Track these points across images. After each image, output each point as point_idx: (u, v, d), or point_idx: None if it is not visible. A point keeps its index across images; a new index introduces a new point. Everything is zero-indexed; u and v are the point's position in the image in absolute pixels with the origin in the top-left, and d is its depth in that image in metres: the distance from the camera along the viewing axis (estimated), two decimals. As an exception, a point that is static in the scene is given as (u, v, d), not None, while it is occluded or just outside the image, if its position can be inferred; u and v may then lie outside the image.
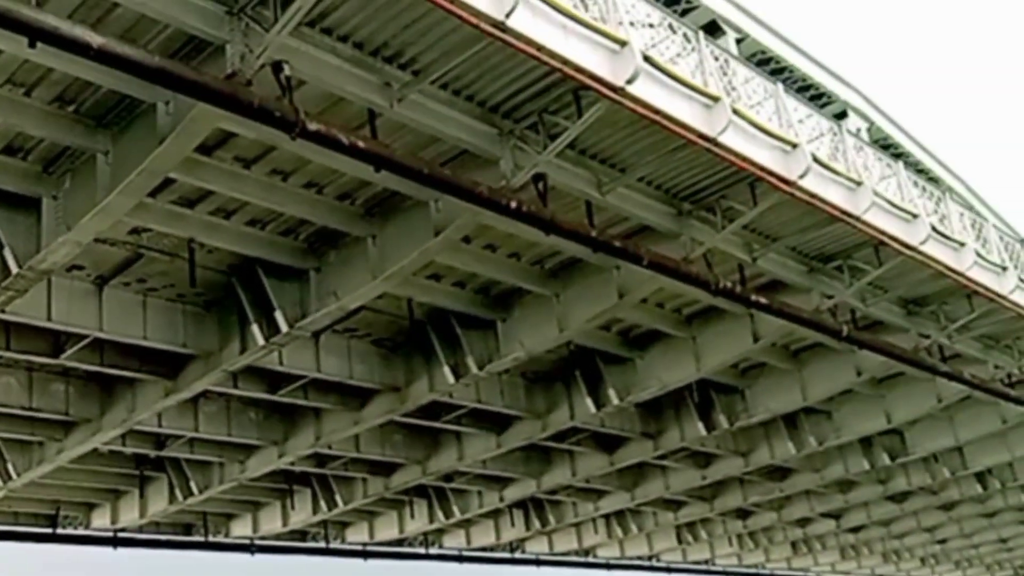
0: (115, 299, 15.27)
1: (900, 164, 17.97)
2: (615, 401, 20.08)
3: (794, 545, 40.02)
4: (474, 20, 10.44)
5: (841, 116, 25.25)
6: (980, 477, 32.02)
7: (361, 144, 11.13)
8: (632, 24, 12.64)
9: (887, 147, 27.83)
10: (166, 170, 11.53)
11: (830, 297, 17.88)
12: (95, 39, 9.09)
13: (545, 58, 11.20)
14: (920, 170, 29.12)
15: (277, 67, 10.56)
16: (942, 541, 42.79)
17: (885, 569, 49.08)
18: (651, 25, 13.14)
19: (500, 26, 10.63)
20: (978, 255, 18.81)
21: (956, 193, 29.54)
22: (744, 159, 13.68)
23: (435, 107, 12.20)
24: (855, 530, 38.42)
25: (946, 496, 34.08)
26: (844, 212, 15.46)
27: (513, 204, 12.65)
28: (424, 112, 12.09)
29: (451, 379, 17.79)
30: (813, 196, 14.80)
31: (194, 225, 13.84)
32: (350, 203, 14.16)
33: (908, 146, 28.67)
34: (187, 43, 10.64)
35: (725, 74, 14.00)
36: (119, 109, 11.55)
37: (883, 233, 16.33)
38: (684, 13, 21.03)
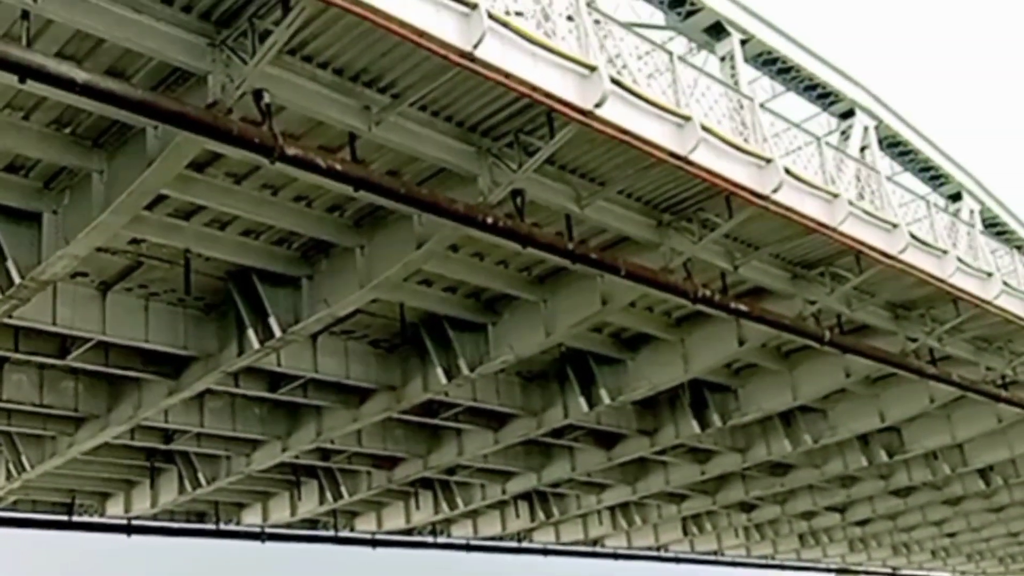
0: (118, 303, 15.97)
1: (882, 176, 18.35)
2: (607, 401, 20.64)
3: (801, 538, 40.52)
4: (442, 51, 11.00)
5: (848, 115, 25.49)
6: (983, 473, 32.38)
7: (338, 167, 11.73)
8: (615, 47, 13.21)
9: (895, 145, 28.12)
10: (156, 190, 12.18)
11: (813, 303, 18.35)
12: (80, 75, 9.73)
13: (514, 85, 11.73)
14: (929, 167, 29.41)
15: (258, 95, 11.14)
16: (951, 535, 43.07)
17: (897, 561, 49.48)
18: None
19: (469, 56, 11.17)
20: (961, 262, 19.19)
21: (967, 189, 29.82)
22: (716, 175, 14.15)
23: (413, 128, 12.75)
24: (861, 523, 38.86)
25: (950, 491, 34.47)
26: (820, 224, 15.92)
27: (490, 220, 13.20)
28: (402, 133, 12.65)
29: (444, 380, 18.42)
30: (787, 209, 15.27)
31: (190, 236, 14.50)
32: (339, 215, 14.78)
33: (917, 143, 28.68)
34: (173, 72, 11.25)
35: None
36: (113, 131, 12.18)
37: (861, 243, 16.77)
38: (688, 15, 21.52)
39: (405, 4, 10.61)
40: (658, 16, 22.85)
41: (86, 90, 9.85)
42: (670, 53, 14.22)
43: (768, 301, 18.35)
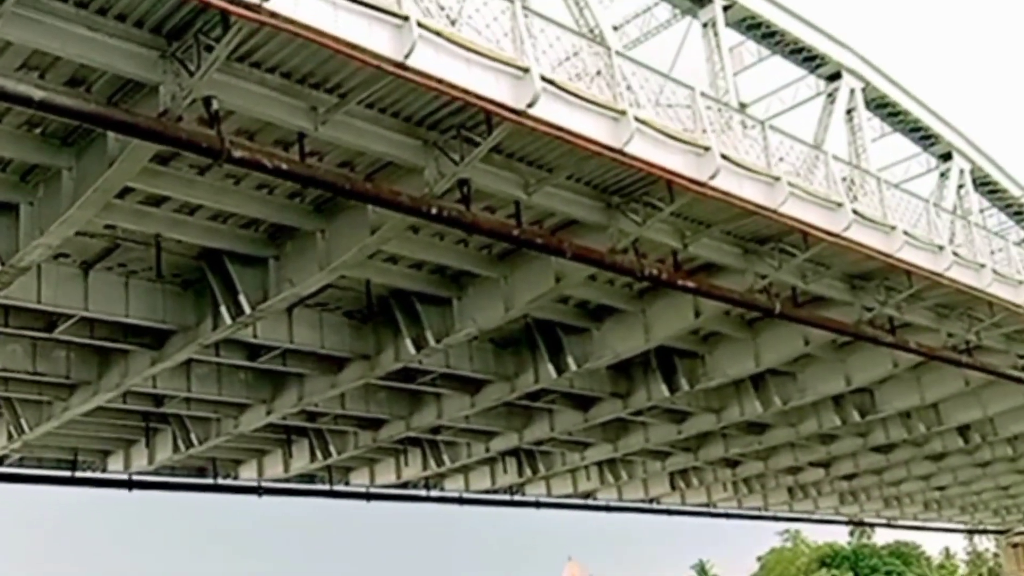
0: (100, 281, 17.02)
1: (830, 155, 19.06)
2: (574, 368, 21.66)
3: (790, 491, 41.57)
4: (375, 62, 11.89)
5: (834, 77, 26.06)
6: (961, 431, 33.25)
7: (284, 167, 12.67)
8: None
9: (884, 106, 28.64)
10: (118, 187, 13.15)
11: (764, 277, 19.18)
12: (36, 93, 10.69)
13: (447, 90, 12.62)
14: (919, 128, 29.92)
15: (207, 102, 12.07)
16: (941, 488, 44.03)
17: (890, 513, 50.52)
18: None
19: (401, 65, 12.06)
20: (909, 236, 19.92)
21: (957, 149, 30.35)
22: (652, 165, 14.99)
23: (360, 125, 13.63)
24: (847, 478, 39.85)
25: (930, 448, 35.37)
26: (759, 206, 16.73)
27: (434, 210, 14.12)
28: (349, 130, 13.55)
29: (413, 350, 19.47)
30: (725, 194, 16.09)
31: (160, 222, 15.50)
32: (299, 201, 15.69)
33: (906, 104, 29.09)
34: (128, 82, 12.16)
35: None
36: (80, 131, 13.09)
37: (803, 223, 17.59)
38: None
39: (337, 19, 11.50)
40: (642, -16, 23.62)
41: (43, 106, 10.84)
42: (608, 49, 14.96)
43: (721, 276, 19.25)
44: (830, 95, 26.05)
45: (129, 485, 27.42)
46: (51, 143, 13.32)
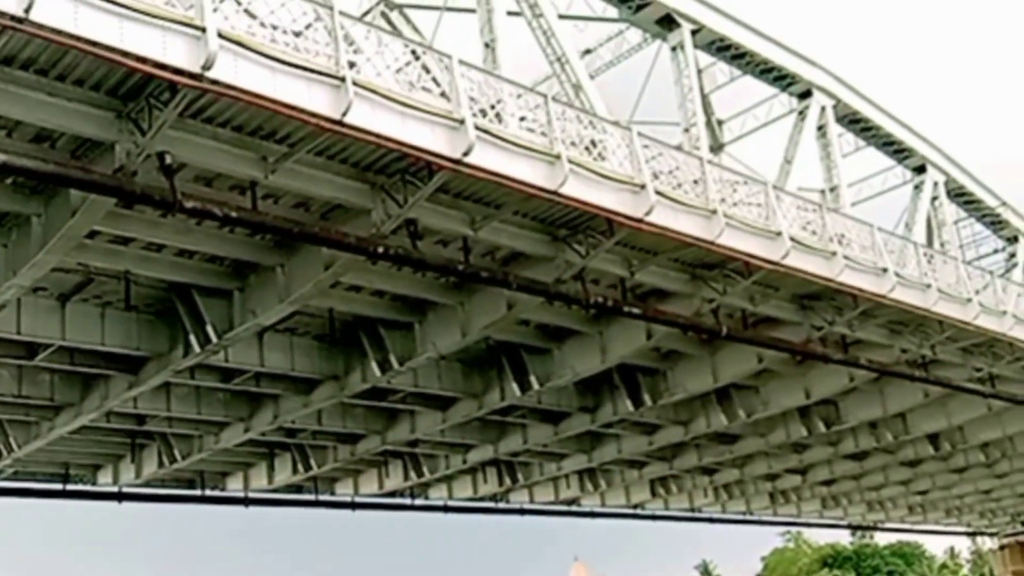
0: (76, 312, 18.10)
1: (770, 186, 19.97)
2: (536, 386, 22.67)
3: (772, 496, 42.44)
4: (313, 121, 12.90)
5: (805, 95, 27.02)
6: (932, 439, 34.13)
7: (234, 214, 13.69)
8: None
9: (856, 122, 29.55)
10: (82, 234, 14.19)
11: (711, 301, 20.14)
12: (-2, 157, 11.74)
13: (384, 143, 13.62)
14: (892, 142, 30.83)
15: (161, 156, 13.09)
16: (922, 493, 44.83)
17: (876, 516, 51.29)
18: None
19: (339, 123, 13.06)
20: (849, 259, 20.82)
21: (931, 161, 31.26)
22: (588, 204, 15.96)
23: (308, 171, 14.62)
24: (826, 484, 40.72)
25: (903, 455, 36.24)
26: (696, 238, 17.68)
27: (381, 249, 15.14)
28: (298, 177, 14.54)
29: (378, 373, 20.51)
30: (662, 228, 17.05)
31: (129, 259, 16.54)
32: (260, 239, 16.69)
33: (878, 119, 29.99)
34: (86, 141, 13.19)
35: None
36: (48, 180, 14.18)
37: (740, 252, 18.53)
38: (640, 8, 23.14)
39: (276, 83, 12.51)
40: (611, 11, 24.55)
41: (4, 168, 11.88)
42: (544, 96, 15.94)
43: (671, 301, 20.22)
44: (801, 112, 27.02)
45: (119, 497, 28.45)
46: (22, 192, 14.33)
